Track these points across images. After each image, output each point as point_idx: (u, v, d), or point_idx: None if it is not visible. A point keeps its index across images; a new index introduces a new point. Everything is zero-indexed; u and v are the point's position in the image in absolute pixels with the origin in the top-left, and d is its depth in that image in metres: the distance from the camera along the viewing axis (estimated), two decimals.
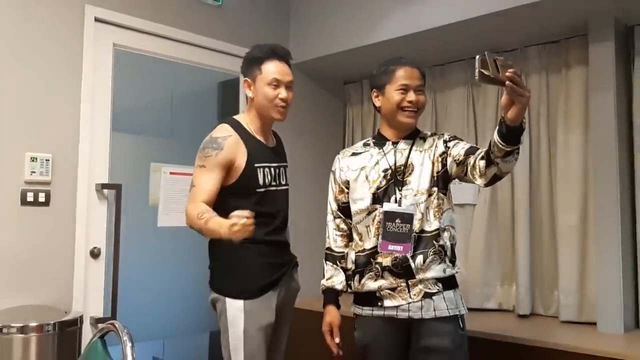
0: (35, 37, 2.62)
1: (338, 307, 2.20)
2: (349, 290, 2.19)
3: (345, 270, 2.20)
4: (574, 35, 2.92)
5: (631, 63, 2.80)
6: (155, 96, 3.92)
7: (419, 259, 2.00)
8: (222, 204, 2.03)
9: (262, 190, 2.11)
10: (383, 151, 2.14)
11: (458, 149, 2.02)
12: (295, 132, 3.57)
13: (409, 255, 2.00)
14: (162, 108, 3.98)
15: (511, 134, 1.72)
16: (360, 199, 2.12)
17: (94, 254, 2.77)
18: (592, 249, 2.79)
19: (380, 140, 2.18)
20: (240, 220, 1.77)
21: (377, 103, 2.16)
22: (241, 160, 2.08)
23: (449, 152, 2.05)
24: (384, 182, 2.08)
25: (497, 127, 1.76)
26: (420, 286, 2.00)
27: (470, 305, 2.90)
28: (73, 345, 2.37)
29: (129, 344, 1.48)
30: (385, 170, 2.10)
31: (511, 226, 3.13)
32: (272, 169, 2.17)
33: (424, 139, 2.15)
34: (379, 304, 2.04)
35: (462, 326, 2.04)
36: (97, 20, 2.83)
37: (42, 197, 2.59)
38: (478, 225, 3.20)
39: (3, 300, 2.45)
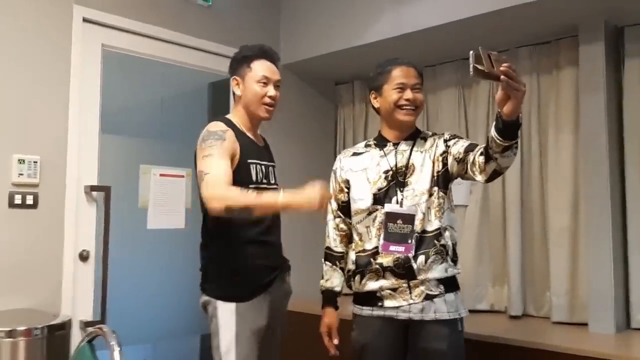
0: (23, 38, 2.59)
1: (336, 308, 2.20)
2: (350, 290, 2.18)
3: (344, 270, 2.20)
4: (564, 36, 2.92)
5: (621, 64, 2.82)
6: (145, 97, 3.89)
7: (421, 259, 2.00)
8: None
9: (255, 187, 2.09)
10: (384, 152, 2.14)
11: (458, 147, 2.02)
12: (286, 133, 3.55)
13: (410, 256, 2.00)
14: (152, 109, 3.95)
15: (508, 128, 1.73)
16: (361, 199, 2.12)
17: (83, 256, 2.74)
18: (583, 250, 2.80)
19: (381, 142, 2.18)
20: (321, 190, 1.81)
21: (376, 104, 2.16)
22: (237, 155, 2.06)
23: (449, 151, 2.05)
24: (385, 183, 2.08)
25: (494, 123, 1.76)
26: (422, 287, 2.00)
27: None
28: (62, 350, 2.34)
29: (116, 349, 1.47)
30: (386, 172, 2.10)
31: (502, 227, 3.13)
32: (262, 167, 2.16)
33: (425, 139, 2.15)
34: (379, 304, 2.04)
35: (460, 329, 2.04)
36: (85, 20, 2.80)
37: (30, 200, 2.56)
38: (470, 227, 3.20)
39: None
